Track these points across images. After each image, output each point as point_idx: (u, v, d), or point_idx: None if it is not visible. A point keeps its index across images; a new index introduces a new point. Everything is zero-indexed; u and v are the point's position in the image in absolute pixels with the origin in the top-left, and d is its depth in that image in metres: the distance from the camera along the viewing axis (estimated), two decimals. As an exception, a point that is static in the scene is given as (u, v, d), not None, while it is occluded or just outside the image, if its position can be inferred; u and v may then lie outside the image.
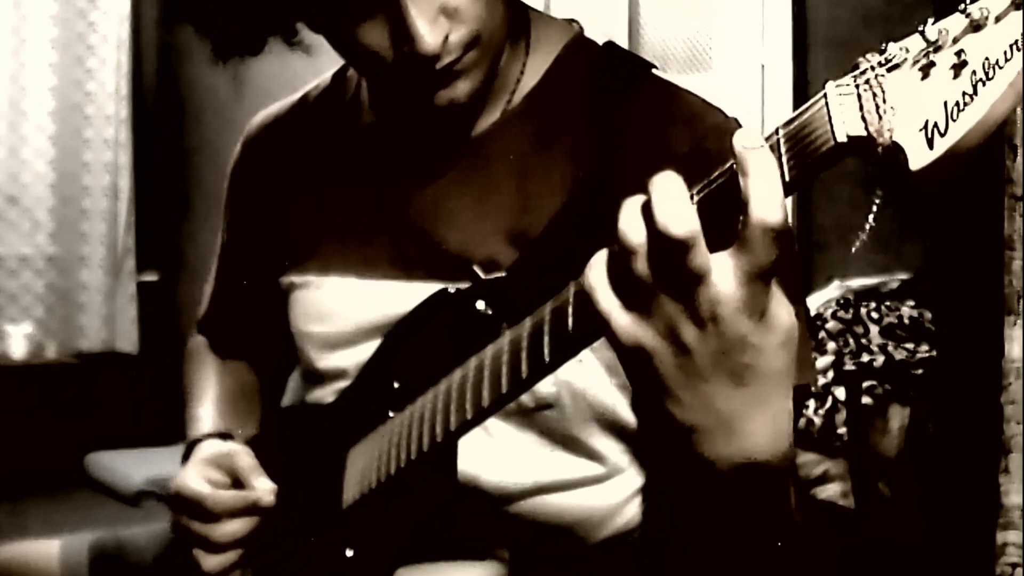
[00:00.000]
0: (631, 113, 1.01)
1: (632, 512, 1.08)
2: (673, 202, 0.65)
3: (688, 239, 0.64)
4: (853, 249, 0.67)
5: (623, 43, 2.74)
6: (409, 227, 1.07)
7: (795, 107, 0.79)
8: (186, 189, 4.39)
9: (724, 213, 0.66)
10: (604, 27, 2.92)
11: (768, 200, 0.63)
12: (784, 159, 0.66)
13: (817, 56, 2.62)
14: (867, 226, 0.66)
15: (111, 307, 4.31)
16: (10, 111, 4.17)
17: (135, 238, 4.36)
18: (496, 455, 1.04)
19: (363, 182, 1.12)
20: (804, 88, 2.61)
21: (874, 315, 2.24)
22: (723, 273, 0.64)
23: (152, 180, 4.43)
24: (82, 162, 4.29)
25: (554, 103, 1.06)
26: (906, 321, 2.23)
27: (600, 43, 1.09)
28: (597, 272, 0.69)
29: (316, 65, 1.14)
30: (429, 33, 0.92)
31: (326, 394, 1.12)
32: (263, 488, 1.06)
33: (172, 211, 4.45)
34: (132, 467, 3.77)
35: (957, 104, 0.62)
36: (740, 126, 1.00)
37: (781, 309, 0.66)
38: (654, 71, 1.06)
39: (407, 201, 1.08)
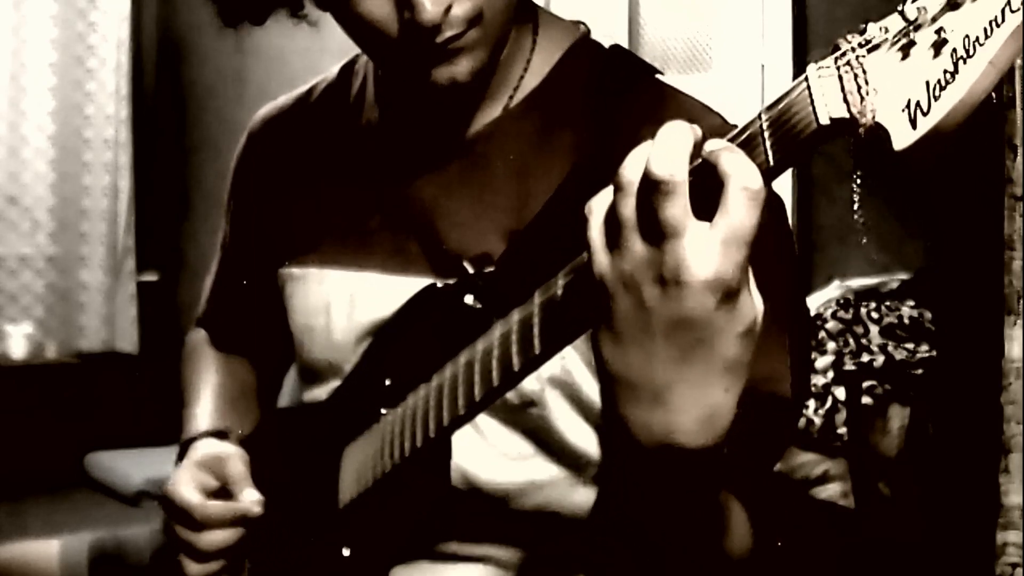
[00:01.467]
0: (629, 113, 1.01)
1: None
2: (665, 146, 0.65)
3: (664, 182, 0.64)
4: (865, 246, 0.67)
5: (623, 43, 2.74)
6: (409, 223, 1.07)
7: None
8: (186, 189, 4.39)
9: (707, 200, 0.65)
10: (604, 27, 2.92)
11: (746, 170, 0.64)
12: (768, 144, 0.66)
13: (817, 56, 2.62)
14: (856, 216, 0.66)
15: (111, 307, 4.31)
16: (10, 111, 4.17)
17: (135, 238, 4.36)
18: (488, 454, 1.04)
19: (364, 178, 1.12)
20: (804, 88, 2.60)
21: (874, 315, 2.24)
22: (698, 240, 0.64)
23: (152, 180, 4.43)
24: (82, 162, 4.29)
25: (555, 103, 1.06)
26: (906, 321, 2.22)
27: (606, 45, 1.09)
28: (600, 203, 0.70)
29: (316, 64, 1.14)
30: (431, 2, 0.92)
31: (323, 392, 1.12)
32: (250, 500, 1.06)
33: (172, 211, 4.45)
34: (132, 467, 3.76)
35: (939, 83, 0.62)
36: None
37: (750, 301, 0.66)
38: (656, 76, 1.06)
39: (407, 197, 1.08)
